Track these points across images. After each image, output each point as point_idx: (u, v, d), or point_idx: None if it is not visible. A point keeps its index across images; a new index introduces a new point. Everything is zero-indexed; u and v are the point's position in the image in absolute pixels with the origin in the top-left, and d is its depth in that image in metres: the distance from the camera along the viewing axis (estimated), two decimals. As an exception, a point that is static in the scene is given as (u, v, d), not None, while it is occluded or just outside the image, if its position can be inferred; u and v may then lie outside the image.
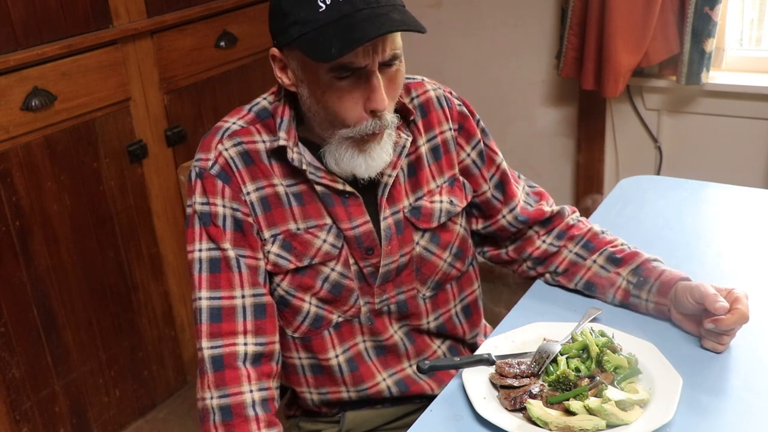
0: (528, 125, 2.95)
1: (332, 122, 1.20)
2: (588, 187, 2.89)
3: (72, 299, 2.24)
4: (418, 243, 1.34)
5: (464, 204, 1.40)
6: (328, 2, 1.10)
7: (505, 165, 1.43)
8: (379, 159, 1.22)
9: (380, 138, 1.21)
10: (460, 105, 1.40)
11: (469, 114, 1.40)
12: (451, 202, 1.37)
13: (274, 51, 1.20)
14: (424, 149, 1.35)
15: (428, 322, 1.40)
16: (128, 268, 2.41)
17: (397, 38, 1.16)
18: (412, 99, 1.35)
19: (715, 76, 2.53)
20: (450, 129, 1.37)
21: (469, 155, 1.40)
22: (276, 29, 1.18)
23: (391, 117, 1.21)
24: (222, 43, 2.55)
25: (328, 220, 1.27)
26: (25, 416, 2.17)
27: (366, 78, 1.15)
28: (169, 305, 2.58)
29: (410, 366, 1.40)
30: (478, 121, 1.41)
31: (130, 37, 2.26)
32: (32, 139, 2.07)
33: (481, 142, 1.40)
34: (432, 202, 1.35)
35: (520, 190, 1.45)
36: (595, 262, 1.39)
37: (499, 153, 1.43)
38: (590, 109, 2.78)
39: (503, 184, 1.42)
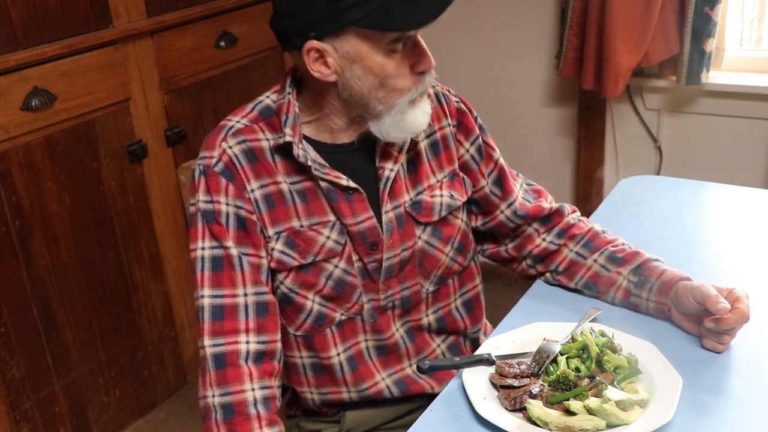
0: (528, 125, 2.95)
1: (388, 95, 1.21)
2: (588, 187, 2.89)
3: (72, 299, 2.24)
4: (419, 237, 1.35)
5: (465, 198, 1.40)
6: None
7: (502, 161, 1.44)
8: (429, 109, 1.27)
9: (423, 97, 1.26)
10: (458, 102, 1.40)
11: (467, 110, 1.41)
12: (451, 196, 1.37)
13: (313, 44, 1.18)
14: (423, 145, 1.35)
15: (427, 315, 1.40)
16: (128, 268, 2.41)
17: None
18: None
19: (715, 76, 2.53)
20: (449, 125, 1.38)
21: (467, 151, 1.40)
22: (323, 19, 1.16)
23: (432, 72, 1.26)
24: (222, 43, 2.55)
25: (332, 217, 1.28)
26: (25, 416, 2.17)
27: (413, 44, 1.20)
28: (169, 305, 2.58)
29: (410, 366, 1.40)
30: (476, 118, 1.42)
31: (130, 37, 2.26)
32: (32, 139, 2.07)
33: (480, 138, 1.41)
34: (432, 196, 1.35)
35: (518, 186, 1.46)
36: (595, 261, 1.39)
37: (497, 149, 1.44)
38: (590, 109, 2.78)
39: (501, 180, 1.42)
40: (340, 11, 1.13)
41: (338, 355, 1.35)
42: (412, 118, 1.24)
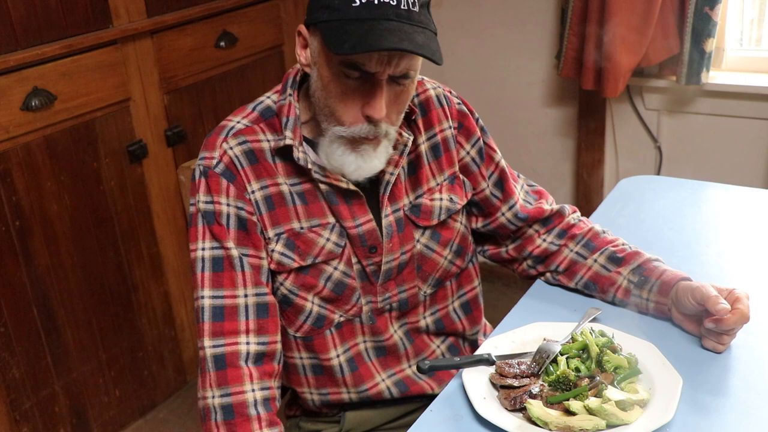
0: (528, 125, 2.95)
1: (330, 115, 1.20)
2: (588, 187, 2.89)
3: (72, 299, 2.24)
4: (418, 241, 1.34)
5: (464, 201, 1.40)
6: (363, 0, 1.11)
7: (503, 163, 1.44)
8: (370, 164, 1.22)
9: (376, 144, 1.21)
10: (459, 103, 1.40)
11: (468, 112, 1.40)
12: (451, 200, 1.37)
13: (302, 27, 1.21)
14: (424, 147, 1.35)
15: (425, 317, 1.40)
16: (128, 268, 2.41)
17: (417, 61, 1.16)
18: (413, 97, 1.35)
19: (715, 76, 2.53)
20: (450, 127, 1.38)
21: (468, 153, 1.40)
22: (310, 6, 1.19)
23: (391, 129, 1.21)
24: (222, 43, 2.55)
25: (332, 219, 1.28)
26: (25, 416, 2.17)
27: (372, 84, 1.15)
28: (169, 305, 2.58)
29: (410, 367, 1.40)
30: (477, 120, 1.42)
31: (130, 37, 2.26)
32: (32, 139, 2.07)
33: (481, 140, 1.41)
34: (432, 199, 1.35)
35: (519, 188, 1.46)
36: (596, 261, 1.39)
37: (498, 151, 1.44)
38: (590, 109, 2.78)
39: (502, 182, 1.42)
40: (318, 8, 1.15)
41: (338, 356, 1.35)
42: (341, 158, 1.21)
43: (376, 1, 1.10)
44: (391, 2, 1.11)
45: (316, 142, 1.28)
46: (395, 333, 1.38)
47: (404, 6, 1.12)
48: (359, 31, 1.09)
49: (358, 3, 1.11)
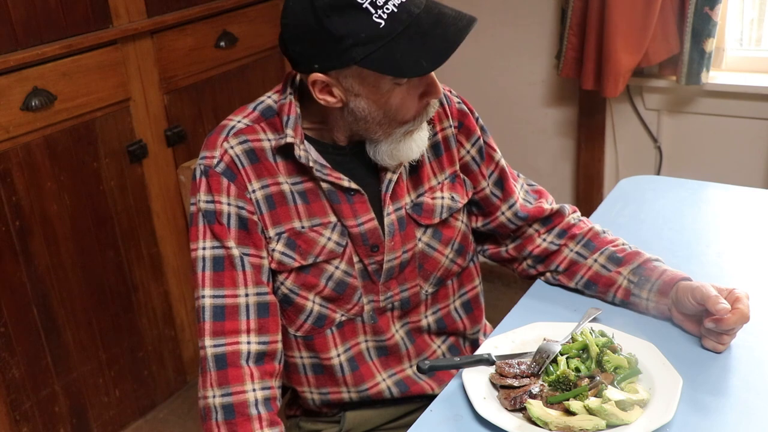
0: (528, 125, 2.95)
1: (392, 122, 1.22)
2: (588, 187, 2.89)
3: (72, 299, 2.24)
4: (420, 239, 1.35)
5: (465, 200, 1.40)
6: (385, 17, 1.10)
7: (503, 162, 1.44)
8: (425, 139, 1.27)
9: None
10: (459, 103, 1.40)
11: (468, 111, 1.41)
12: (452, 198, 1.37)
13: (317, 76, 1.17)
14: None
15: (426, 317, 1.40)
16: (128, 268, 2.41)
17: None
18: None
19: (715, 76, 2.53)
20: (450, 126, 1.38)
21: (468, 152, 1.40)
22: (325, 55, 1.14)
23: (436, 101, 1.26)
24: (222, 43, 2.55)
25: (333, 218, 1.28)
26: (25, 416, 2.17)
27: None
28: (169, 305, 2.58)
29: (410, 367, 1.40)
30: (477, 119, 1.42)
31: (130, 37, 2.26)
32: (32, 139, 2.07)
33: (481, 139, 1.41)
34: (433, 198, 1.35)
35: (519, 187, 1.46)
36: (596, 261, 1.39)
37: (498, 150, 1.44)
38: (590, 109, 2.78)
39: (502, 181, 1.42)
40: (343, 50, 1.12)
41: (338, 355, 1.35)
42: (405, 149, 1.25)
43: (395, 9, 1.10)
44: (403, 0, 1.11)
45: (317, 141, 1.28)
46: (397, 333, 1.38)
47: None
48: (415, 43, 1.11)
49: (383, 23, 1.10)
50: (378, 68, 1.12)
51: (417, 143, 1.25)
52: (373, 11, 1.09)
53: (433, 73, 1.19)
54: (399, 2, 1.11)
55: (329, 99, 1.19)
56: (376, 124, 1.21)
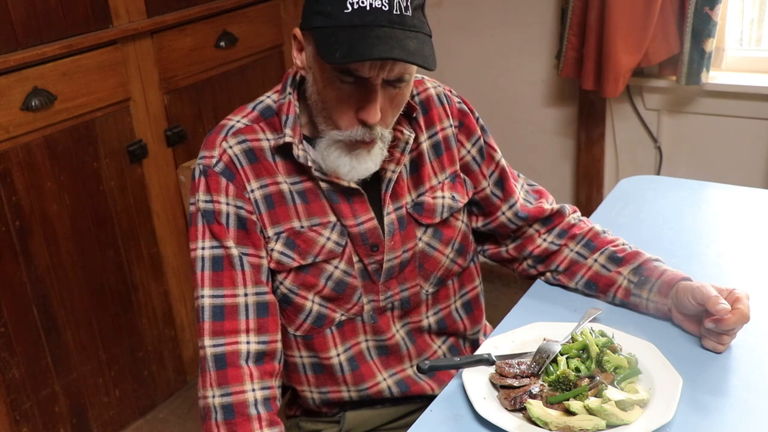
0: (528, 125, 2.95)
1: (326, 119, 1.21)
2: (588, 187, 2.89)
3: (72, 299, 2.24)
4: (420, 239, 1.35)
5: (466, 200, 1.40)
6: (355, 6, 1.10)
7: (504, 162, 1.44)
8: (364, 166, 1.22)
9: (371, 146, 1.21)
10: (459, 102, 1.40)
11: (468, 111, 1.41)
12: (453, 198, 1.37)
13: (297, 31, 1.21)
14: (425, 146, 1.35)
15: (428, 317, 1.40)
16: (128, 268, 2.41)
17: (412, 65, 1.16)
18: (414, 96, 1.35)
19: (715, 76, 2.53)
20: (451, 126, 1.38)
21: (469, 152, 1.40)
22: (304, 11, 1.18)
23: (386, 132, 1.21)
24: (222, 43, 2.55)
25: (332, 218, 1.28)
26: (25, 416, 2.17)
27: (367, 89, 1.15)
28: (169, 305, 2.58)
29: (411, 367, 1.40)
30: (477, 119, 1.42)
31: (130, 37, 2.26)
32: (32, 139, 2.07)
33: (481, 138, 1.41)
34: (434, 197, 1.35)
35: (519, 187, 1.46)
36: (596, 261, 1.39)
37: (498, 150, 1.44)
38: (590, 109, 2.78)
39: (502, 181, 1.42)
40: (314, 13, 1.14)
41: (338, 355, 1.35)
42: (336, 161, 1.21)
43: (368, 7, 1.10)
44: (383, 8, 1.10)
45: (315, 140, 1.28)
46: (397, 333, 1.38)
47: (396, 11, 1.11)
48: (350, 39, 1.09)
49: (350, 9, 1.10)
50: (316, 40, 1.14)
51: (353, 163, 1.21)
52: None
53: (377, 96, 1.15)
54: (376, 6, 1.10)
55: (298, 61, 1.22)
56: (318, 112, 1.22)
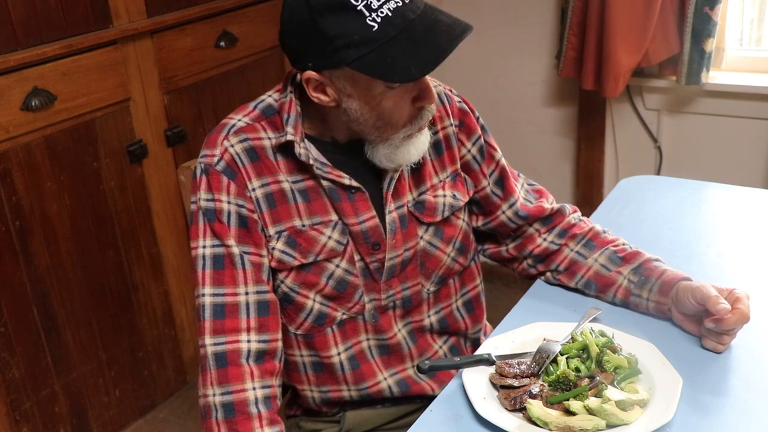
0: (528, 125, 2.95)
1: (386, 126, 1.21)
2: (588, 187, 2.89)
3: (72, 299, 2.24)
4: (422, 237, 1.35)
5: (467, 198, 1.40)
6: (379, 20, 1.09)
7: (504, 161, 1.44)
8: (425, 143, 1.26)
9: (425, 125, 1.25)
10: (460, 102, 1.40)
11: (469, 110, 1.41)
12: (454, 197, 1.37)
13: (310, 74, 1.17)
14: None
15: (429, 316, 1.40)
16: (128, 268, 2.41)
17: None
18: None
19: (715, 76, 2.53)
20: (451, 125, 1.38)
21: (469, 151, 1.40)
22: (318, 54, 1.13)
23: (432, 106, 1.24)
24: (222, 43, 2.55)
25: (334, 217, 1.28)
26: (25, 416, 2.17)
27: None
28: (169, 305, 2.58)
29: (412, 366, 1.40)
30: (477, 118, 1.42)
31: (130, 37, 2.26)
32: (32, 139, 2.07)
33: (482, 138, 1.41)
34: (435, 196, 1.35)
35: (520, 186, 1.46)
36: (596, 260, 1.39)
37: (498, 150, 1.44)
38: (590, 109, 2.78)
39: (502, 180, 1.42)
40: (334, 50, 1.12)
41: (339, 354, 1.35)
42: (404, 153, 1.24)
43: (390, 13, 1.09)
44: (399, 4, 1.10)
45: (317, 139, 1.28)
46: (399, 332, 1.38)
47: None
48: (406, 49, 1.10)
49: (377, 26, 1.09)
50: (368, 71, 1.12)
51: (416, 147, 1.25)
52: (367, 14, 1.09)
53: (427, 78, 1.18)
54: (395, 6, 1.10)
55: (322, 98, 1.19)
56: (370, 127, 1.21)
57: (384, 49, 1.10)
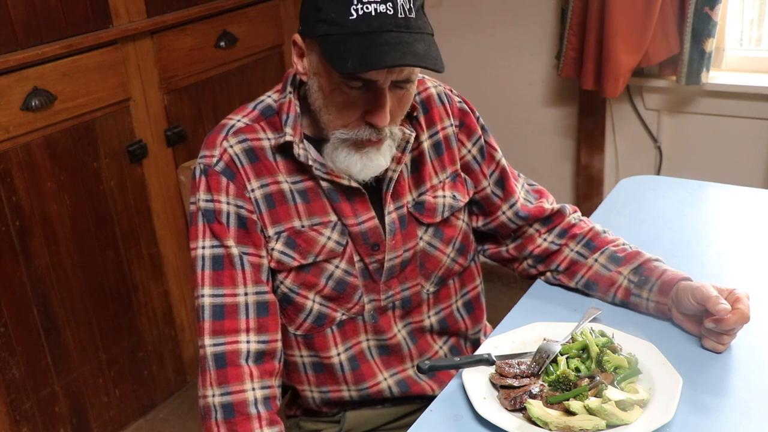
0: (528, 125, 2.95)
1: (332, 121, 1.20)
2: (588, 187, 2.89)
3: (72, 299, 2.24)
4: (421, 238, 1.35)
5: (467, 199, 1.40)
6: (360, 12, 1.10)
7: (504, 162, 1.44)
8: (376, 163, 1.22)
9: (379, 145, 1.21)
10: (460, 102, 1.40)
11: (469, 111, 1.41)
12: (454, 197, 1.37)
13: (297, 37, 1.20)
14: (426, 145, 1.35)
15: (429, 317, 1.40)
16: (128, 268, 2.41)
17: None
18: (414, 95, 1.35)
19: (715, 76, 2.53)
20: (451, 125, 1.38)
21: (469, 151, 1.40)
22: (305, 18, 1.17)
23: (394, 129, 1.22)
24: (222, 43, 2.55)
25: (333, 217, 1.28)
26: (25, 416, 2.17)
27: (374, 92, 1.15)
28: (169, 305, 2.58)
29: (412, 367, 1.40)
30: (478, 118, 1.42)
31: (130, 37, 2.26)
32: (32, 139, 2.07)
33: (482, 138, 1.41)
34: (435, 197, 1.35)
35: (520, 187, 1.46)
36: (596, 260, 1.39)
37: (499, 150, 1.44)
38: (590, 109, 2.78)
39: (503, 181, 1.42)
40: (316, 20, 1.14)
41: (339, 354, 1.35)
42: (346, 161, 1.21)
43: (373, 13, 1.10)
44: (388, 12, 1.10)
45: (316, 140, 1.28)
46: (399, 332, 1.38)
47: (401, 14, 1.11)
48: (360, 47, 1.09)
49: (355, 16, 1.10)
50: (323, 48, 1.13)
51: (365, 161, 1.21)
52: (355, 1, 1.10)
53: (385, 100, 1.15)
54: (382, 11, 1.10)
55: (299, 66, 1.22)
56: (322, 115, 1.21)
57: (346, 39, 1.10)
